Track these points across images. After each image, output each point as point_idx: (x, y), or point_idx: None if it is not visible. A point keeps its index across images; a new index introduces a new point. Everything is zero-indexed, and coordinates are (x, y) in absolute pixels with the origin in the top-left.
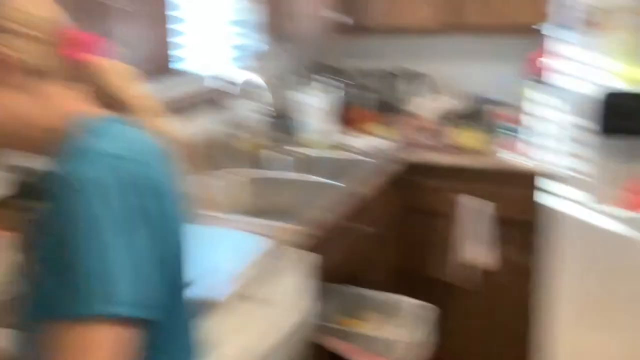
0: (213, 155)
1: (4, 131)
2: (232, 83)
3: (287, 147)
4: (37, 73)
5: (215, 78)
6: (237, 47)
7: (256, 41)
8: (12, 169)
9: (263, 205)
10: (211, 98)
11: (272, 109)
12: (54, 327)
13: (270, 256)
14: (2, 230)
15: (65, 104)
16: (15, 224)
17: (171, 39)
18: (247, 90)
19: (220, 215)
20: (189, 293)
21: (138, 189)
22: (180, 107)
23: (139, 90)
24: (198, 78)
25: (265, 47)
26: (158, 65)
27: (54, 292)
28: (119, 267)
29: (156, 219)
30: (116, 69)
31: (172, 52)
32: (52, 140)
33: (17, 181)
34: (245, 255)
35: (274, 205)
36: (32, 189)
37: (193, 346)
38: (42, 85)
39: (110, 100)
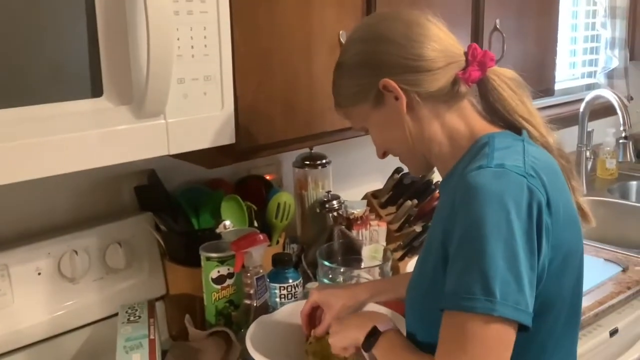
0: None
1: (421, 151)
2: (585, 100)
3: None
4: (440, 99)
5: (568, 94)
6: (588, 63)
7: (610, 58)
8: (395, 172)
9: (613, 233)
10: (566, 115)
11: (626, 130)
12: (451, 314)
13: (616, 283)
14: (382, 222)
15: (467, 122)
16: (391, 217)
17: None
18: (600, 109)
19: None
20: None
21: (539, 203)
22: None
23: (529, 102)
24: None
25: (619, 64)
26: (542, 85)
27: (455, 284)
28: (522, 275)
29: (551, 234)
30: (510, 78)
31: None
32: (457, 153)
33: (393, 182)
34: (594, 279)
35: (624, 234)
36: (405, 189)
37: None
38: (446, 107)
39: (504, 112)
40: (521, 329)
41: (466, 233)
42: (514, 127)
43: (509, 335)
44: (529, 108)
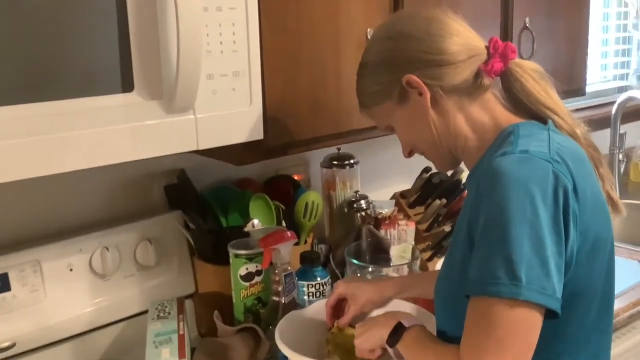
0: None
1: (447, 146)
2: (617, 102)
3: None
4: (464, 92)
5: (600, 97)
6: (619, 65)
7: None
8: (423, 171)
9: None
10: (597, 117)
11: None
12: (476, 300)
13: None
14: (411, 222)
15: (492, 114)
16: (420, 217)
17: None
18: (632, 111)
19: None
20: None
21: (565, 189)
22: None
23: (554, 92)
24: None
25: None
26: (573, 85)
27: (479, 270)
28: (549, 259)
29: (579, 220)
30: (533, 69)
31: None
32: (483, 146)
33: (422, 182)
34: (628, 281)
35: None
36: (434, 189)
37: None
38: (470, 101)
39: (528, 102)
40: (549, 315)
41: (490, 218)
42: (539, 117)
43: (536, 319)
44: (554, 98)
